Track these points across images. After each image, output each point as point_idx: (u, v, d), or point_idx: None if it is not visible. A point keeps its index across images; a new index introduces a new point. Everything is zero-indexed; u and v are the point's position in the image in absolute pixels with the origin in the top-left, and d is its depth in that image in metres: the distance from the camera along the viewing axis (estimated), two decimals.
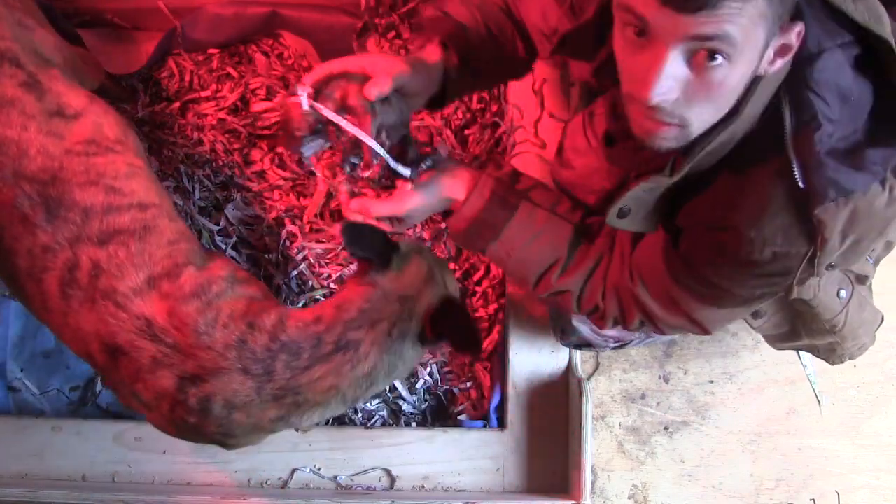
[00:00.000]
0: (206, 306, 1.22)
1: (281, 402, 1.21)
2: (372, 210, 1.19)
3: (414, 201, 1.20)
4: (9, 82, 1.29)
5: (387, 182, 1.19)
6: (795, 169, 1.00)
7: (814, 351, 1.45)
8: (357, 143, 1.12)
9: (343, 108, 1.14)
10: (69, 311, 1.22)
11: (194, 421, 1.21)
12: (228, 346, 1.19)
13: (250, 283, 1.33)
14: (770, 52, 0.94)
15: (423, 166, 1.20)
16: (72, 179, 1.25)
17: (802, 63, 0.98)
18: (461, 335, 1.23)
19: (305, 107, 1.10)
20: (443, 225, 1.88)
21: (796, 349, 1.44)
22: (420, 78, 1.20)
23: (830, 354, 1.40)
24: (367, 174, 1.16)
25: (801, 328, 1.38)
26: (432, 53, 1.23)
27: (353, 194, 1.20)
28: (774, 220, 1.04)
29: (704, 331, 1.27)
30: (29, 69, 1.33)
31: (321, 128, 1.13)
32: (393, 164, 1.17)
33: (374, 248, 1.22)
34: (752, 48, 0.90)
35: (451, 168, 1.23)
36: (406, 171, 1.18)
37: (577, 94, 1.44)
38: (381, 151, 1.13)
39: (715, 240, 1.11)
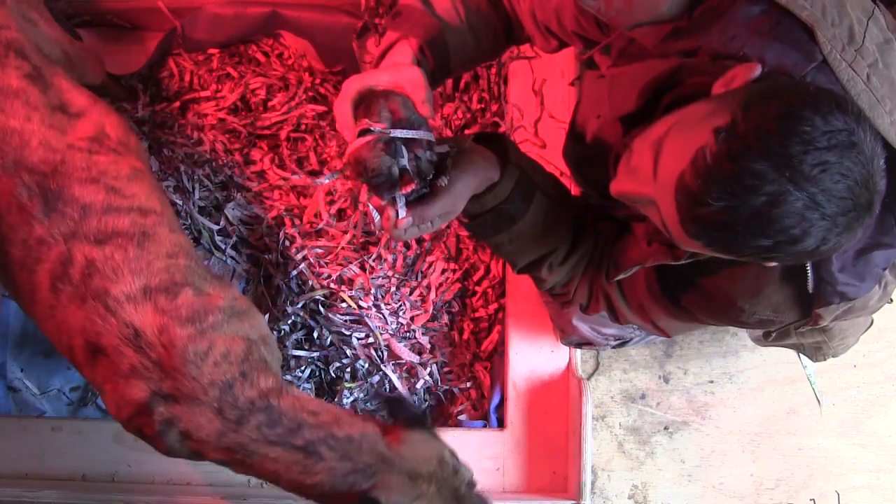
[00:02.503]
0: (199, 335, 1.21)
1: (230, 453, 1.19)
2: (427, 213, 1.13)
3: (460, 188, 1.15)
4: (14, 73, 1.28)
5: (424, 189, 1.13)
6: (810, 279, 1.04)
7: (799, 349, 1.46)
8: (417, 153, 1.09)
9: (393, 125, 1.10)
10: (57, 304, 1.22)
11: (149, 434, 1.21)
12: (213, 384, 1.18)
13: (248, 317, 1.32)
14: None
15: (452, 152, 1.15)
16: (72, 174, 1.24)
17: None
18: None
19: (392, 133, 1.06)
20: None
21: (783, 346, 1.45)
22: None
23: (815, 352, 1.42)
24: (412, 187, 1.10)
25: (791, 328, 1.40)
26: (405, 54, 1.18)
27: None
28: (770, 298, 1.10)
29: (665, 335, 1.33)
30: (34, 62, 1.32)
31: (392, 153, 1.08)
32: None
33: (410, 414, 1.21)
34: None
35: (477, 149, 1.19)
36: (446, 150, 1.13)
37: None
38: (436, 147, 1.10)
39: (706, 293, 1.15)
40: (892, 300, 1.21)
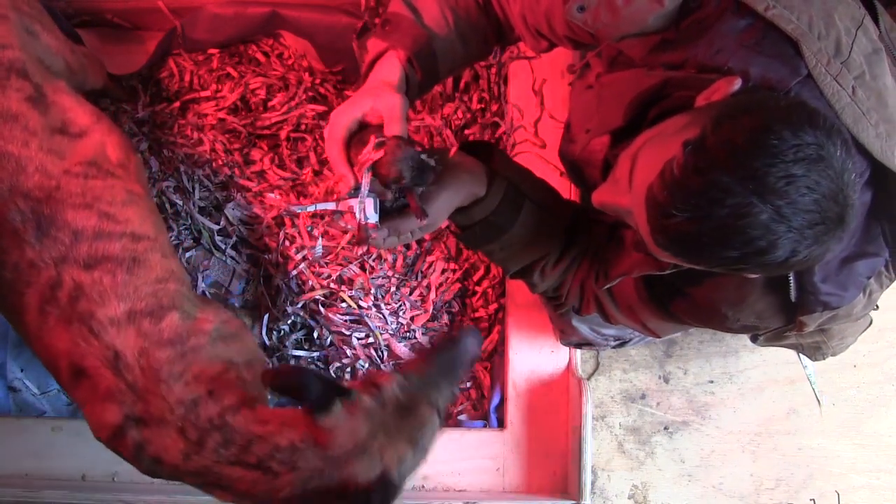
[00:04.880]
0: (179, 357, 1.20)
1: (202, 477, 1.18)
2: (403, 225, 1.16)
3: (440, 203, 1.17)
4: (15, 96, 1.28)
5: (403, 201, 1.16)
6: (792, 289, 1.04)
7: (798, 349, 1.47)
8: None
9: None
10: (44, 326, 1.22)
11: (127, 456, 1.21)
12: (180, 402, 1.17)
13: (236, 340, 1.31)
14: None
15: (434, 164, 1.16)
16: (66, 200, 1.25)
17: None
18: None
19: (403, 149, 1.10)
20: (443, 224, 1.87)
21: (781, 347, 1.46)
22: None
23: (814, 352, 1.43)
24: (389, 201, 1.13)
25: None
26: (392, 73, 1.19)
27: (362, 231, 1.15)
28: (753, 307, 1.10)
29: (655, 335, 1.35)
30: (36, 81, 1.32)
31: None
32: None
33: (311, 392, 1.10)
34: None
35: (464, 163, 1.20)
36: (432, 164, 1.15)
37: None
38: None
39: (692, 301, 1.16)
40: (877, 307, 1.21)
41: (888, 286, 1.14)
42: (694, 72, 1.02)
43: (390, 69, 1.19)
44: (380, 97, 1.13)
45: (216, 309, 1.34)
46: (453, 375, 1.18)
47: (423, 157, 1.12)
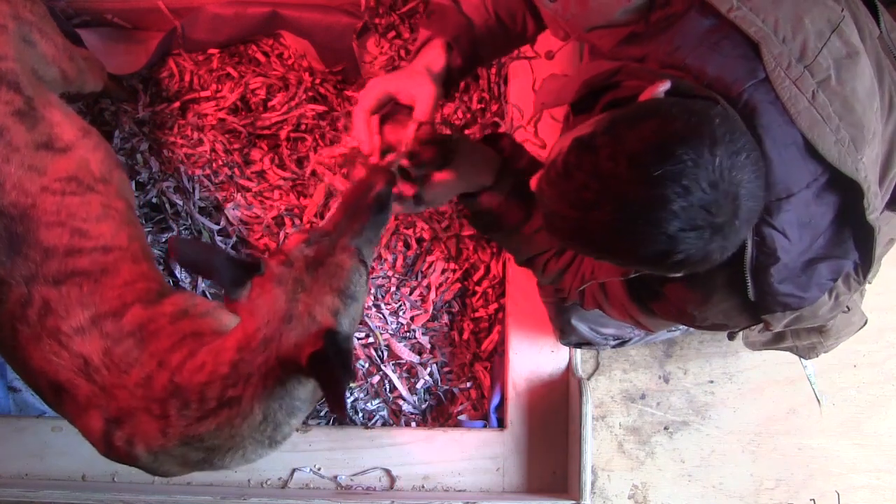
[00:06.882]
0: (138, 344, 1.20)
1: (192, 446, 1.15)
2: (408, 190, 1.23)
3: (442, 185, 1.24)
4: (3, 109, 1.28)
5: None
6: (750, 289, 1.05)
7: (793, 350, 1.47)
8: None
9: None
10: (17, 346, 1.22)
11: (128, 461, 1.20)
12: (138, 384, 1.17)
13: (206, 316, 1.29)
14: None
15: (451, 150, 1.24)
16: (40, 218, 1.25)
17: (770, 205, 0.99)
18: (328, 390, 1.02)
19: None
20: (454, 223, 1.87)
21: (778, 350, 1.46)
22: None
23: (809, 352, 1.44)
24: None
25: (788, 332, 1.40)
26: (437, 61, 1.25)
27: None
28: (718, 306, 1.11)
29: (647, 330, 1.39)
30: (27, 94, 1.32)
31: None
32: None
33: (224, 278, 1.07)
34: None
35: (477, 151, 1.26)
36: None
37: None
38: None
39: (666, 299, 1.18)
40: (848, 308, 1.21)
41: (857, 289, 1.14)
42: (656, 67, 1.02)
43: (435, 56, 1.25)
44: (417, 82, 1.19)
45: (189, 295, 1.34)
46: (365, 217, 1.13)
47: (450, 145, 1.20)
